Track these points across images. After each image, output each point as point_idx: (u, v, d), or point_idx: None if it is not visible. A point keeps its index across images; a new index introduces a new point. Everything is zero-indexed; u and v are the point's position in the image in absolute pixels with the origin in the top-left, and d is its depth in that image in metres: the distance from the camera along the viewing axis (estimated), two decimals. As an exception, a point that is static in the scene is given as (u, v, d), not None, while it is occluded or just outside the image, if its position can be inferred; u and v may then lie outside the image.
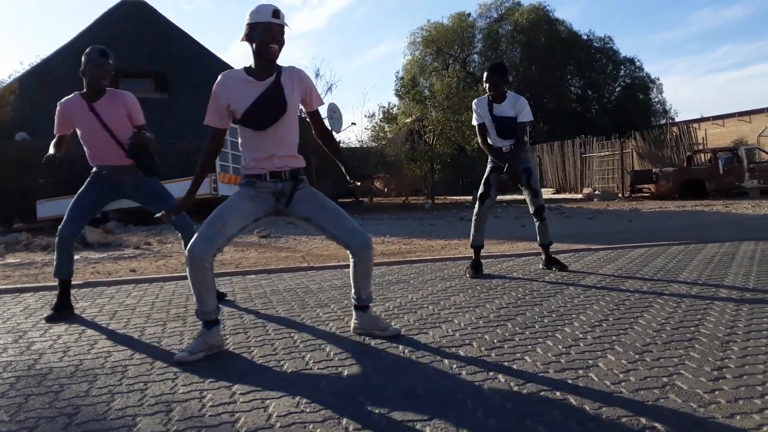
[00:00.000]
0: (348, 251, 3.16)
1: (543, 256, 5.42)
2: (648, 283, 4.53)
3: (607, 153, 24.38)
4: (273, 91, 3.03)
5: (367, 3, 72.06)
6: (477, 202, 5.27)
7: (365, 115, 26.08)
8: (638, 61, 37.66)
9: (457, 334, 3.20)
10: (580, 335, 3.10)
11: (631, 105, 34.54)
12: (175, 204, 4.19)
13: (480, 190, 5.26)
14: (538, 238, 5.37)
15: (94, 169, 4.17)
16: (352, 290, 3.28)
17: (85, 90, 4.09)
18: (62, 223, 4.06)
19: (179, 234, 4.39)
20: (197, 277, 2.94)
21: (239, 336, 3.33)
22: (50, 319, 3.88)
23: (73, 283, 4.28)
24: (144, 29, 19.53)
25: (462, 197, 24.53)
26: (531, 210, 5.32)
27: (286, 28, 2.99)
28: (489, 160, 5.27)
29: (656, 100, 37.05)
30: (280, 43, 2.98)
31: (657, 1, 70.86)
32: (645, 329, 3.17)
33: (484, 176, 5.27)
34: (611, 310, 3.63)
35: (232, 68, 16.57)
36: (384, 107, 26.77)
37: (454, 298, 4.16)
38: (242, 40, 3.03)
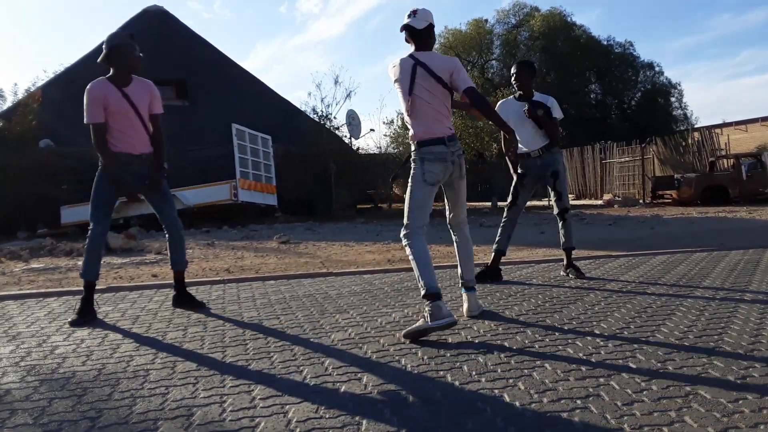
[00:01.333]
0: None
1: (564, 261, 5.37)
2: (670, 290, 4.48)
3: (627, 159, 24.16)
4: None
5: (385, 10, 72.40)
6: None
7: (383, 122, 26.08)
8: (658, 66, 37.41)
9: (477, 341, 3.19)
10: (602, 343, 3.07)
11: (651, 110, 34.20)
12: (171, 199, 4.41)
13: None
14: (562, 241, 5.33)
15: (101, 166, 4.14)
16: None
17: (113, 75, 4.07)
18: (91, 225, 4.18)
19: (166, 234, 4.46)
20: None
21: (259, 341, 3.35)
22: (75, 324, 3.93)
23: (96, 287, 4.35)
24: (165, 37, 19.72)
25: (481, 203, 24.42)
26: (555, 212, 5.32)
27: None
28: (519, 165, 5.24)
29: (677, 105, 36.69)
30: None
31: (676, 6, 70.36)
32: (667, 337, 3.13)
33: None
34: (633, 318, 3.60)
35: (253, 76, 16.60)
36: (402, 113, 26.84)
37: (473, 305, 4.13)
38: None
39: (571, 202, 23.30)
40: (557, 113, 5.18)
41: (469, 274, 3.88)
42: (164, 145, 4.35)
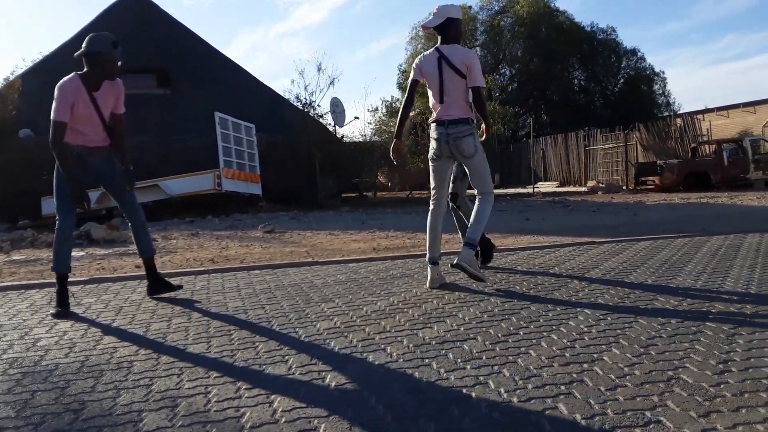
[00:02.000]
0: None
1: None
2: (653, 276, 4.52)
3: (611, 145, 24.31)
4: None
5: (370, -4, 71.97)
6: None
7: (368, 110, 25.96)
8: (640, 52, 37.44)
9: (462, 329, 3.20)
10: (585, 329, 3.09)
11: (634, 97, 34.32)
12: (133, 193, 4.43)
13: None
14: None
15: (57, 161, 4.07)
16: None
17: (86, 75, 4.04)
18: (58, 218, 4.12)
19: (129, 224, 4.47)
20: None
21: (244, 331, 3.34)
22: (58, 316, 3.91)
23: (78, 279, 4.30)
24: (146, 25, 19.48)
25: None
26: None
27: None
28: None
29: (660, 92, 36.86)
30: None
31: (660, -8, 70.41)
32: (650, 322, 3.16)
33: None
34: (616, 304, 3.63)
35: (236, 64, 16.45)
36: (387, 101, 26.76)
37: (458, 293, 4.16)
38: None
39: (556, 189, 23.39)
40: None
41: (470, 233, 4.34)
42: (126, 143, 4.37)
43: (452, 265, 4.30)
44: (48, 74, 17.27)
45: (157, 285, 4.48)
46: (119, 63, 4.12)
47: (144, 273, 4.56)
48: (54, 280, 4.16)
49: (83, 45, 4.05)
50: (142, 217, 4.50)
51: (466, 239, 4.31)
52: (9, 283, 5.34)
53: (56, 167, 4.07)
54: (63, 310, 3.97)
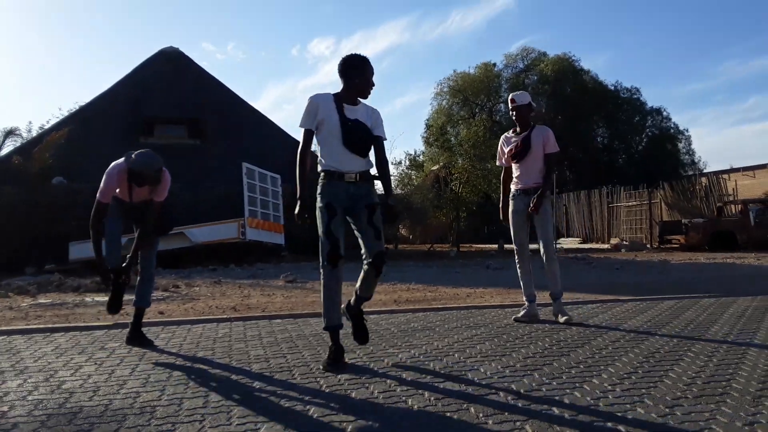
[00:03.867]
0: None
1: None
2: (678, 335, 4.46)
3: (634, 203, 24.20)
4: None
5: (395, 53, 73.71)
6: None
7: (392, 162, 26.27)
8: (665, 111, 37.66)
9: (484, 383, 3.18)
10: (609, 387, 3.06)
11: (658, 155, 34.36)
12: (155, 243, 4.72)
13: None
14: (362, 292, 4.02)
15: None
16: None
17: (130, 172, 4.31)
18: (108, 258, 4.41)
19: (139, 271, 4.69)
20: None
21: (265, 380, 3.35)
22: (111, 309, 4.52)
23: (102, 324, 4.40)
24: (179, 78, 20.12)
25: (487, 245, 24.42)
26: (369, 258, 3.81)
27: None
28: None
29: (684, 150, 36.89)
30: None
31: (684, 53, 71.10)
32: (675, 382, 3.12)
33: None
34: (641, 363, 3.58)
35: (263, 115, 16.79)
36: (411, 154, 27.06)
37: (480, 347, 4.14)
38: None
39: (579, 246, 23.17)
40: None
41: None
42: (152, 223, 4.58)
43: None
44: (83, 124, 17.91)
45: (136, 335, 4.55)
46: (159, 180, 4.41)
47: (176, 320, 4.66)
48: (80, 324, 4.24)
49: (133, 154, 4.33)
50: (153, 270, 4.74)
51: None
52: (35, 326, 5.42)
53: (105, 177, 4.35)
54: (113, 306, 4.48)
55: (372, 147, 3.78)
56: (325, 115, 3.66)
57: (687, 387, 3.03)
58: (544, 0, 69.71)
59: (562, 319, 5.14)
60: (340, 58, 3.77)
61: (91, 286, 8.94)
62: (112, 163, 4.37)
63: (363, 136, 3.71)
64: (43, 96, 72.22)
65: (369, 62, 3.77)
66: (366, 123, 3.74)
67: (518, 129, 5.33)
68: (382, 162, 3.84)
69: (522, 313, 5.32)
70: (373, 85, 3.77)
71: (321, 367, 3.58)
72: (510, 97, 5.35)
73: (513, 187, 5.35)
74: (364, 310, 4.13)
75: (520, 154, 5.23)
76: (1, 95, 66.79)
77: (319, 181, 3.71)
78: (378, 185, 3.91)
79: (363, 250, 3.75)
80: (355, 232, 3.78)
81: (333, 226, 3.61)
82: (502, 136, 5.49)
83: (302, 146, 3.69)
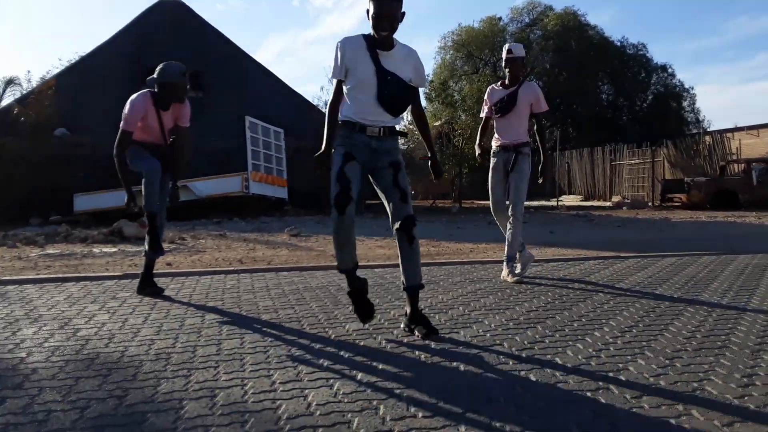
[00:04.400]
0: None
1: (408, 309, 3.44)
2: (678, 291, 4.54)
3: (637, 161, 24.16)
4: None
5: (399, 5, 72.05)
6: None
7: (394, 117, 26.12)
8: (671, 68, 37.20)
9: (488, 335, 3.27)
10: (610, 339, 3.14)
11: (663, 113, 34.04)
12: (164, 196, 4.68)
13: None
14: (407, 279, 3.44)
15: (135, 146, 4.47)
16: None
17: (157, 95, 4.43)
18: (144, 169, 4.40)
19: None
20: None
21: (275, 329, 3.44)
22: (152, 253, 4.58)
23: (112, 274, 4.49)
24: (180, 29, 19.81)
25: (489, 201, 24.43)
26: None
27: None
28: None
29: (689, 108, 36.56)
30: None
31: (691, 9, 69.72)
32: (675, 336, 3.20)
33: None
34: (641, 317, 3.67)
35: (266, 69, 16.52)
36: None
37: (483, 300, 4.22)
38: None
39: (580, 203, 23.13)
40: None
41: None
42: (184, 160, 4.70)
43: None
44: (83, 75, 17.75)
45: (148, 284, 4.65)
46: (187, 89, 4.50)
47: (185, 271, 4.73)
48: (90, 274, 4.31)
49: (155, 73, 4.41)
50: (164, 219, 4.76)
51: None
52: (46, 276, 5.51)
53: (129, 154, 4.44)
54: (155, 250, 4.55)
55: (404, 106, 3.41)
56: (355, 62, 3.26)
57: (686, 340, 3.11)
58: (552, -48, 67.94)
59: (512, 279, 5.01)
60: None
61: (99, 237, 9.02)
62: (135, 94, 4.44)
63: (401, 95, 3.33)
64: (43, 46, 71.27)
65: None
66: (402, 76, 3.31)
67: (507, 81, 5.17)
68: (420, 116, 3.64)
69: (518, 269, 5.19)
70: (387, 21, 3.18)
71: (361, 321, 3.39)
72: (507, 47, 5.16)
73: (494, 143, 5.22)
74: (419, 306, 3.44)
75: (504, 108, 5.07)
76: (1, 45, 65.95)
77: (339, 132, 3.35)
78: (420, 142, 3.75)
79: (390, 217, 3.40)
80: (379, 193, 3.43)
81: (346, 169, 3.24)
82: (489, 87, 5.32)
83: (333, 98, 3.35)
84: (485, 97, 5.31)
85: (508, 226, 5.10)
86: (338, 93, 3.34)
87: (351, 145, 3.30)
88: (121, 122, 4.37)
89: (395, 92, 3.30)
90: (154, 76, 4.42)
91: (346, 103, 3.33)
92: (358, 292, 3.40)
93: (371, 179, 3.43)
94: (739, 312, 3.80)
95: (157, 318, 3.75)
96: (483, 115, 5.32)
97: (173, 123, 4.59)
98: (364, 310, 3.38)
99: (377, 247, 8.20)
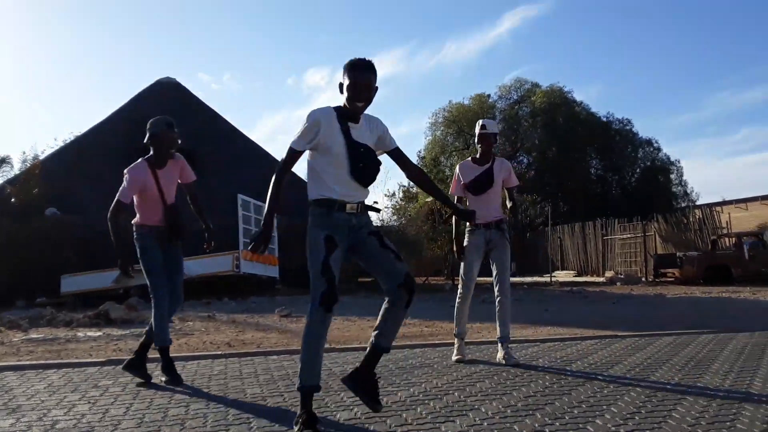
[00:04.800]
0: None
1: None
2: (679, 374, 4.42)
3: (629, 235, 24.26)
4: None
5: (389, 84, 74.09)
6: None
7: (385, 194, 26.22)
8: (656, 142, 37.87)
9: (485, 423, 3.13)
10: (613, 428, 3.01)
11: (651, 187, 34.52)
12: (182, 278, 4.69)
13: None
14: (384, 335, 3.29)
15: (140, 231, 4.45)
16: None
17: (151, 157, 4.46)
18: (154, 292, 4.37)
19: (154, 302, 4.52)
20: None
21: (263, 420, 3.29)
22: (169, 383, 4.27)
23: (95, 360, 4.36)
24: (175, 108, 20.08)
25: (483, 278, 24.31)
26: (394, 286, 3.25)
27: None
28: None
29: (677, 182, 37.11)
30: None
31: (675, 85, 71.63)
32: (679, 424, 3.08)
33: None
34: (642, 403, 3.54)
35: (258, 146, 16.74)
36: (405, 186, 27.08)
37: (479, 385, 4.09)
38: None
39: (573, 279, 23.04)
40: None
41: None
42: (203, 205, 4.85)
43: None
44: (76, 155, 17.89)
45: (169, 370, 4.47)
46: (178, 141, 4.54)
47: (158, 356, 4.57)
48: (73, 360, 4.17)
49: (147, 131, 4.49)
50: (179, 305, 4.72)
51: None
52: (27, 362, 5.34)
53: (140, 247, 4.42)
54: (172, 378, 4.30)
55: (376, 176, 3.27)
56: (330, 136, 3.13)
57: (691, 428, 2.99)
58: (537, 31, 70.49)
59: (508, 363, 4.84)
60: None
61: (84, 321, 8.83)
62: (132, 165, 4.46)
63: (374, 166, 3.24)
64: (38, 127, 72.29)
65: (359, 65, 3.18)
66: (372, 147, 3.26)
67: (479, 157, 5.12)
68: (419, 172, 3.54)
69: (458, 355, 5.07)
70: (366, 90, 3.16)
71: None
72: (481, 123, 5.13)
73: (469, 222, 5.00)
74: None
75: (482, 186, 5.02)
76: (-4, 125, 66.91)
77: (313, 211, 3.19)
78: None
79: (384, 282, 3.20)
80: (366, 264, 3.26)
81: (332, 260, 3.05)
82: (461, 164, 5.22)
83: (283, 166, 3.20)
84: (456, 173, 5.18)
85: (499, 305, 5.01)
86: (289, 164, 3.21)
87: (332, 227, 3.12)
88: (118, 194, 4.37)
89: (368, 164, 3.20)
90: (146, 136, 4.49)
91: (319, 179, 3.18)
92: (315, 421, 3.02)
93: (354, 256, 3.24)
94: (743, 396, 3.68)
95: (139, 408, 3.60)
96: (455, 193, 5.14)
97: (174, 187, 4.57)
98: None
99: (369, 328, 8.03)
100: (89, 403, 3.75)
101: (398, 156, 3.42)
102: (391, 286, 3.16)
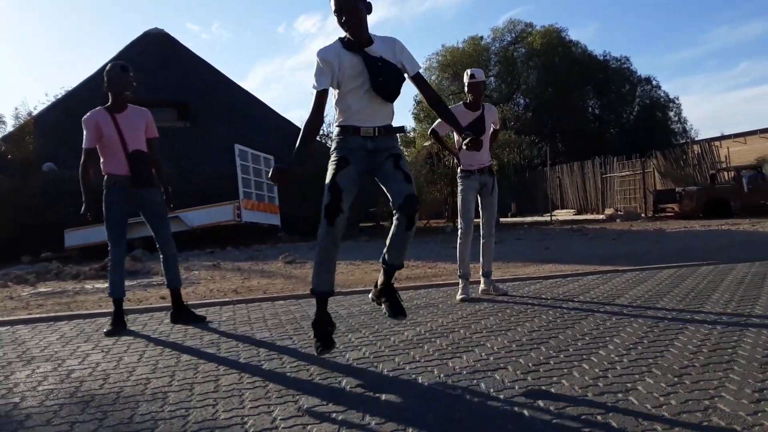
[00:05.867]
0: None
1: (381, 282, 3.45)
2: (680, 304, 4.49)
3: (628, 173, 24.26)
4: None
5: (383, 28, 72.82)
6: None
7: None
8: (655, 80, 37.51)
9: (491, 358, 3.20)
10: (616, 358, 3.08)
11: (650, 125, 34.33)
12: (168, 220, 4.76)
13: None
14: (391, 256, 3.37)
15: (106, 183, 4.53)
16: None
17: (109, 103, 4.54)
18: (110, 247, 4.54)
19: (161, 254, 4.75)
20: None
21: (274, 362, 3.36)
22: (109, 334, 4.32)
23: (106, 310, 4.46)
24: (166, 59, 19.88)
25: (479, 219, 24.38)
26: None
27: None
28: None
29: (675, 119, 36.85)
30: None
31: (673, 20, 70.70)
32: (681, 352, 3.15)
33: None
34: (645, 333, 3.61)
35: (253, 96, 16.57)
36: (402, 133, 26.87)
37: (484, 322, 4.16)
38: None
39: (573, 217, 23.18)
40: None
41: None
42: (160, 166, 4.79)
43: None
44: (70, 109, 17.69)
45: (183, 314, 4.72)
46: (132, 84, 4.58)
47: (169, 304, 4.76)
48: (83, 312, 4.23)
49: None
50: (174, 250, 4.78)
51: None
52: (38, 315, 5.41)
53: (104, 200, 4.51)
54: (116, 327, 4.41)
55: (400, 89, 3.21)
56: (341, 64, 3.12)
57: (693, 356, 3.06)
58: (532, -30, 68.88)
59: (498, 294, 5.35)
60: None
61: (90, 273, 8.91)
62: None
63: (395, 78, 3.17)
64: (28, 83, 71.20)
65: None
66: (391, 60, 3.18)
67: (469, 102, 5.31)
68: (433, 97, 3.40)
69: (463, 294, 5.21)
70: (347, 15, 3.09)
71: (316, 352, 3.21)
72: (469, 72, 5.31)
73: (465, 167, 5.30)
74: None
75: (476, 133, 5.06)
76: (-15, 83, 65.92)
77: (334, 137, 3.26)
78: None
79: (391, 201, 3.19)
80: (381, 183, 3.25)
81: (339, 178, 3.12)
82: (453, 108, 5.18)
83: (312, 110, 3.18)
84: None
85: (484, 244, 5.47)
86: (318, 106, 3.18)
87: (347, 149, 3.18)
88: (83, 143, 4.50)
89: (388, 76, 3.14)
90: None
91: (341, 109, 3.21)
92: (325, 323, 3.23)
93: (375, 178, 3.27)
94: (743, 324, 3.76)
95: (153, 355, 3.67)
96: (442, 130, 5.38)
97: (140, 135, 4.59)
98: (326, 341, 3.18)
99: (374, 271, 8.12)
100: (102, 352, 3.82)
101: (418, 82, 3.35)
102: (395, 206, 3.18)
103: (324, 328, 3.21)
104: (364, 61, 3.11)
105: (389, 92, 3.17)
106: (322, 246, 3.16)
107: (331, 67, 3.12)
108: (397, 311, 3.26)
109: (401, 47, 3.26)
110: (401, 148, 3.38)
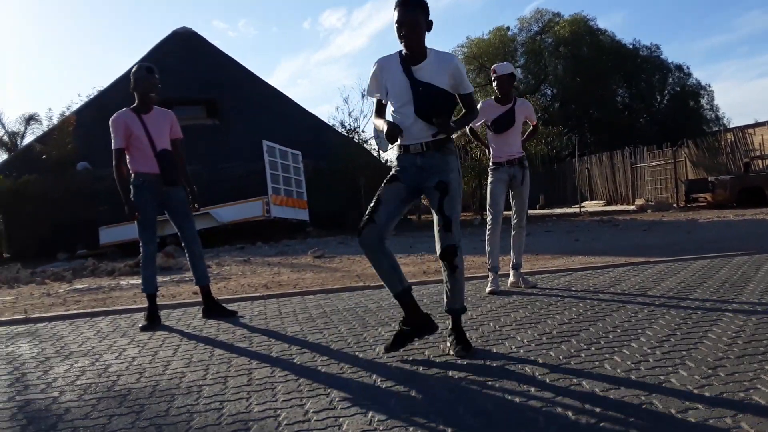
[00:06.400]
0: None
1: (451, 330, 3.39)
2: (714, 295, 4.43)
3: (659, 162, 23.87)
4: None
5: (408, 21, 72.15)
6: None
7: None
8: (687, 67, 36.77)
9: (522, 351, 3.20)
10: (648, 350, 3.06)
11: (681, 113, 33.70)
12: (192, 217, 4.87)
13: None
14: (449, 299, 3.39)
15: (134, 181, 4.64)
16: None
17: (136, 104, 4.65)
18: (142, 244, 4.66)
19: (186, 252, 4.88)
20: None
21: (305, 356, 3.40)
22: (144, 329, 4.43)
23: (140, 306, 4.57)
24: (194, 58, 20.10)
25: (509, 212, 24.26)
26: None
27: None
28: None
29: (707, 106, 36.12)
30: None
31: (702, 7, 69.07)
32: (716, 343, 3.11)
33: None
34: (678, 325, 3.57)
35: (280, 92, 16.70)
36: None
37: (514, 315, 4.15)
38: None
39: (603, 208, 22.92)
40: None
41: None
42: (185, 167, 4.91)
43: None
44: (102, 109, 17.93)
45: (215, 309, 4.81)
46: (158, 85, 4.69)
47: (198, 300, 4.91)
48: (119, 307, 4.32)
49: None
50: (200, 247, 4.89)
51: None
52: (75, 311, 5.54)
53: (134, 198, 4.62)
54: (150, 324, 4.51)
55: (445, 110, 3.26)
56: (391, 80, 3.27)
57: (727, 347, 3.02)
58: (558, -41, 67.98)
59: (527, 287, 5.33)
60: None
61: (125, 270, 9.09)
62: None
63: (440, 104, 3.22)
64: (60, 84, 72.50)
65: (400, 1, 3.17)
66: (438, 84, 3.21)
67: (500, 97, 5.28)
68: (468, 110, 3.45)
69: (492, 286, 5.19)
70: (406, 29, 3.15)
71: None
72: (492, 68, 5.36)
73: (495, 159, 5.30)
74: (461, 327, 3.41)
75: (504, 126, 5.23)
76: (20, 83, 67.38)
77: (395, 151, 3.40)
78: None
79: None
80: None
81: (382, 190, 3.30)
82: (484, 102, 5.28)
83: (374, 113, 3.48)
84: (480, 107, 5.16)
85: (515, 236, 5.45)
86: (378, 109, 3.46)
87: (400, 167, 3.33)
88: (112, 144, 4.59)
89: (431, 102, 3.20)
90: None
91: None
92: (415, 321, 3.33)
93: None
94: (779, 314, 3.69)
95: (187, 349, 3.74)
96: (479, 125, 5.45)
97: (165, 135, 4.70)
98: (429, 326, 3.36)
99: (402, 265, 8.13)
100: (138, 346, 3.91)
101: (463, 100, 3.41)
102: (436, 250, 3.38)
103: (418, 321, 3.32)
104: (410, 84, 3.22)
105: (429, 115, 3.20)
106: (367, 257, 3.43)
107: (378, 79, 3.35)
108: (464, 347, 3.23)
109: (456, 67, 3.27)
110: (453, 160, 3.35)
